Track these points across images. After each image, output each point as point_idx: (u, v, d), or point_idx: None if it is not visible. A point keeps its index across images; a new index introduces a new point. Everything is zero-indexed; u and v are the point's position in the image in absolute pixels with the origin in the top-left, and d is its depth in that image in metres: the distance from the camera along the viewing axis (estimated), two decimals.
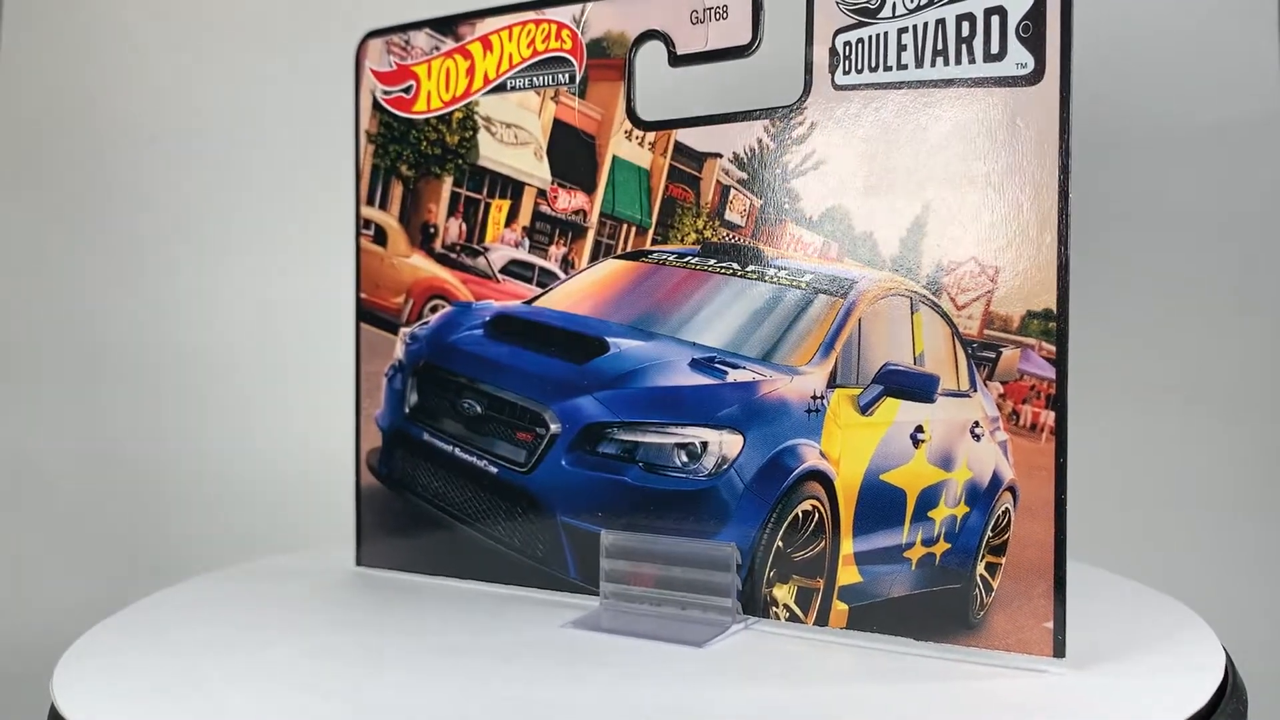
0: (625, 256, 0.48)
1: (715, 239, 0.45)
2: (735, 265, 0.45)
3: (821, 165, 0.43)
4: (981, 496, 0.40)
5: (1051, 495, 0.39)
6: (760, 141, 0.44)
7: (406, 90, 0.52)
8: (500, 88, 0.50)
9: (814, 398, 0.43)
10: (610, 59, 0.47)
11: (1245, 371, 0.71)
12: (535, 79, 0.49)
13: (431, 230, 0.52)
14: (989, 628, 0.40)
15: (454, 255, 0.52)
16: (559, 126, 0.49)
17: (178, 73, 0.85)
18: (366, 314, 0.54)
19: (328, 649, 0.42)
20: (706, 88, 0.50)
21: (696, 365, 0.45)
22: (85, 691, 0.38)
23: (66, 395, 0.86)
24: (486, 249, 0.51)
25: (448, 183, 0.51)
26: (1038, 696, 0.36)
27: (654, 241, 0.47)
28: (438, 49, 0.51)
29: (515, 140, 0.50)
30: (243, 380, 0.85)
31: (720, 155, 0.45)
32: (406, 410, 0.53)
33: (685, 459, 0.45)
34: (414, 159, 0.52)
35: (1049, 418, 0.39)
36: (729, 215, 0.45)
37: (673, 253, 0.46)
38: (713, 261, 0.45)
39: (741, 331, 0.45)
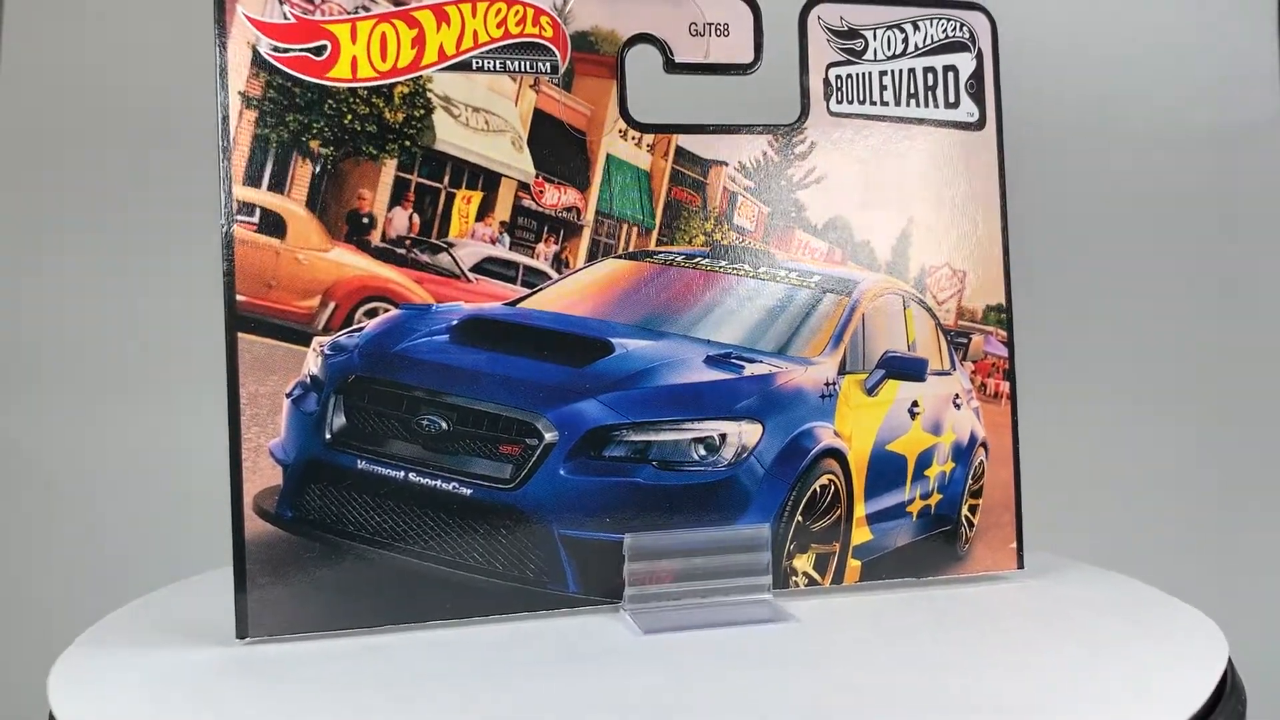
0: (628, 256, 0.47)
1: (725, 242, 0.48)
2: (747, 267, 0.48)
3: (823, 180, 0.49)
4: (963, 453, 0.51)
5: (1010, 446, 0.51)
6: (765, 154, 0.48)
7: (316, 51, 0.43)
8: (464, 66, 0.45)
9: (827, 384, 0.48)
10: (599, 55, 0.46)
11: (1246, 370, 0.73)
12: (509, 63, 0.45)
13: (365, 220, 0.44)
14: (973, 556, 0.50)
15: (402, 250, 0.44)
16: (542, 118, 0.46)
17: None
18: (249, 321, 0.43)
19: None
20: (700, 94, 0.50)
21: (712, 361, 0.47)
22: None
23: None
24: (451, 244, 0.45)
25: (390, 166, 0.44)
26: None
27: (659, 243, 0.47)
28: (366, 9, 0.44)
29: (486, 126, 0.45)
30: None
31: (726, 164, 0.48)
32: (328, 436, 0.44)
33: (703, 452, 0.47)
34: (332, 134, 0.43)
35: (1006, 387, 0.51)
36: (738, 220, 0.48)
37: (681, 254, 0.47)
38: (724, 263, 0.48)
39: (757, 328, 0.48)
